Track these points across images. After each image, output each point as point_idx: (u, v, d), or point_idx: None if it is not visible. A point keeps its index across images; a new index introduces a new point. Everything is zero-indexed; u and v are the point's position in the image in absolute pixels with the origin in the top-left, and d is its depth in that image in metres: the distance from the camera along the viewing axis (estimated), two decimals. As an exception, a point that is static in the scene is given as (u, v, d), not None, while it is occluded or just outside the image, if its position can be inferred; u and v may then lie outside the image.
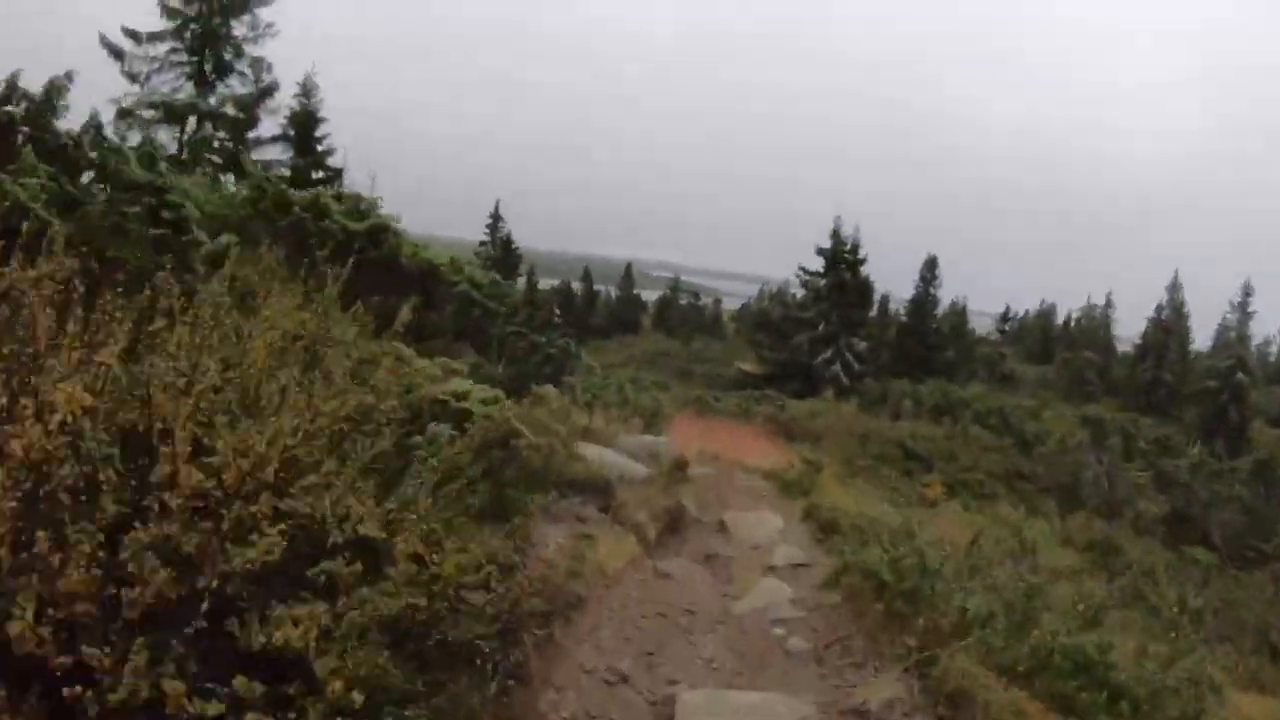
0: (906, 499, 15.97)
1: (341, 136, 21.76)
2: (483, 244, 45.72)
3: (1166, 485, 17.52)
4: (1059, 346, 58.28)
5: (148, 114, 18.52)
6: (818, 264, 37.77)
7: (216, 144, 18.55)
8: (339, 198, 9.31)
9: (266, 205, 8.42)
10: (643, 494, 6.16)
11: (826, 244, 37.44)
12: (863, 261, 37.19)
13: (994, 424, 23.22)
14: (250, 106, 18.70)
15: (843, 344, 36.61)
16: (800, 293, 40.62)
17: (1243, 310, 38.96)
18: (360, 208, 8.99)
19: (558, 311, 66.27)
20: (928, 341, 43.95)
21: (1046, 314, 67.34)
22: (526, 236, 54.89)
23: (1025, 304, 69.28)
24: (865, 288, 37.79)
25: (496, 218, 44.99)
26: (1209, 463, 19.86)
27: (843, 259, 37.05)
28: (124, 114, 18.14)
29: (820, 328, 36.62)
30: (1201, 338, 46.35)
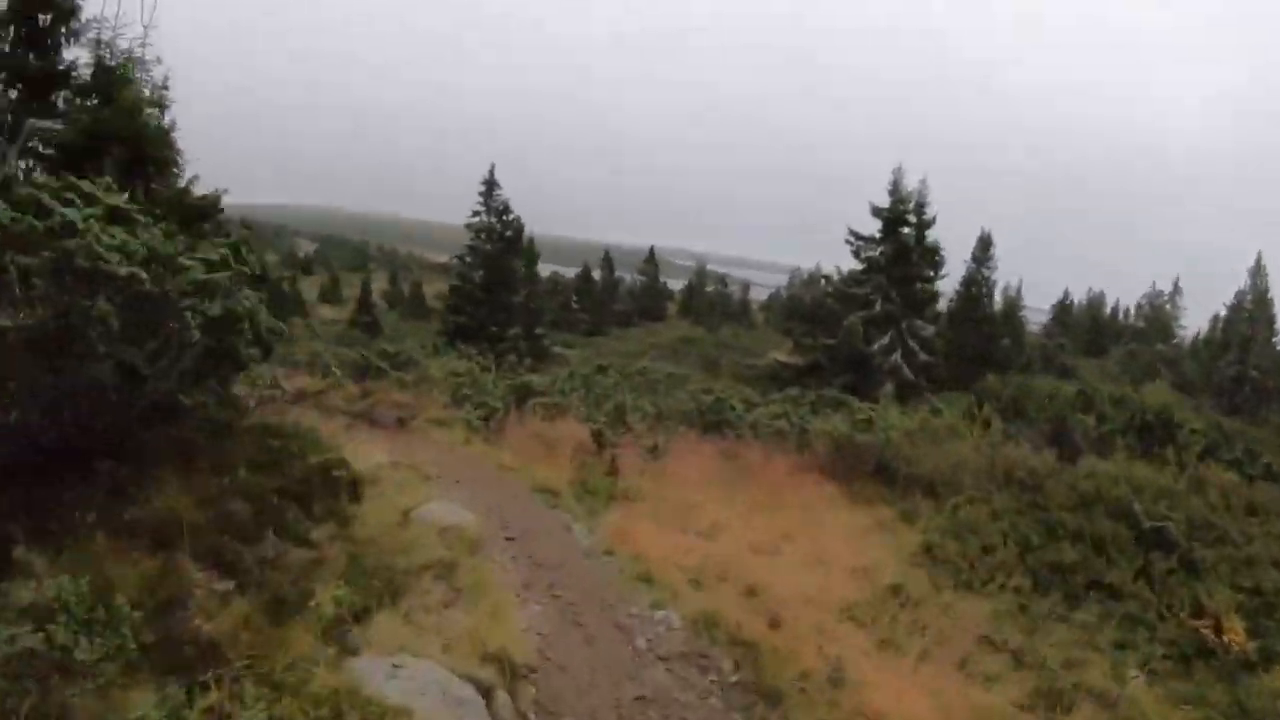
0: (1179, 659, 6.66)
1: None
2: (475, 214, 34.26)
3: None
4: (1110, 338, 52.37)
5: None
6: (873, 228, 30.23)
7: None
8: None
9: None
10: None
11: (884, 203, 29.88)
12: (931, 223, 29.45)
13: (1236, 457, 12.03)
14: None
15: (904, 328, 29.17)
16: (842, 268, 31.87)
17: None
18: None
19: (575, 299, 60.25)
20: (984, 330, 36.82)
21: (1095, 302, 60.15)
22: (538, 221, 46.61)
23: (1072, 294, 61.49)
24: (934, 256, 30.02)
25: (491, 184, 33.95)
26: None
27: (904, 220, 29.54)
28: None
29: (877, 306, 29.15)
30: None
